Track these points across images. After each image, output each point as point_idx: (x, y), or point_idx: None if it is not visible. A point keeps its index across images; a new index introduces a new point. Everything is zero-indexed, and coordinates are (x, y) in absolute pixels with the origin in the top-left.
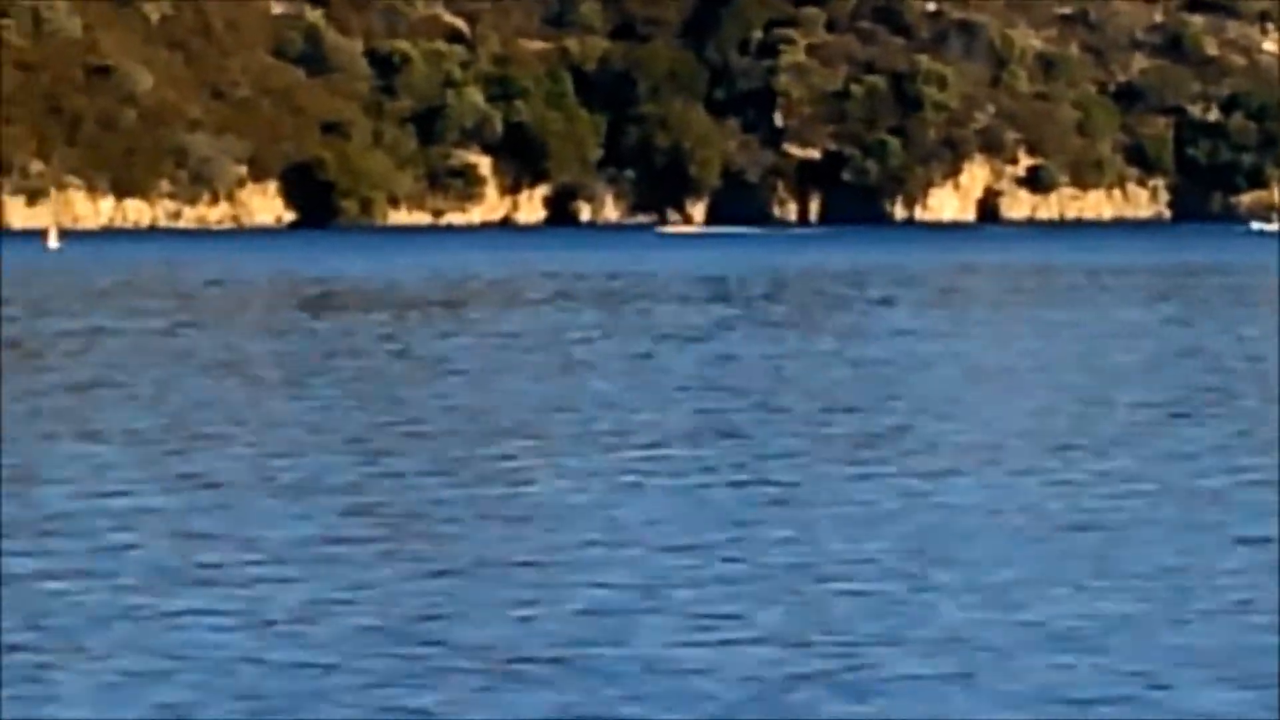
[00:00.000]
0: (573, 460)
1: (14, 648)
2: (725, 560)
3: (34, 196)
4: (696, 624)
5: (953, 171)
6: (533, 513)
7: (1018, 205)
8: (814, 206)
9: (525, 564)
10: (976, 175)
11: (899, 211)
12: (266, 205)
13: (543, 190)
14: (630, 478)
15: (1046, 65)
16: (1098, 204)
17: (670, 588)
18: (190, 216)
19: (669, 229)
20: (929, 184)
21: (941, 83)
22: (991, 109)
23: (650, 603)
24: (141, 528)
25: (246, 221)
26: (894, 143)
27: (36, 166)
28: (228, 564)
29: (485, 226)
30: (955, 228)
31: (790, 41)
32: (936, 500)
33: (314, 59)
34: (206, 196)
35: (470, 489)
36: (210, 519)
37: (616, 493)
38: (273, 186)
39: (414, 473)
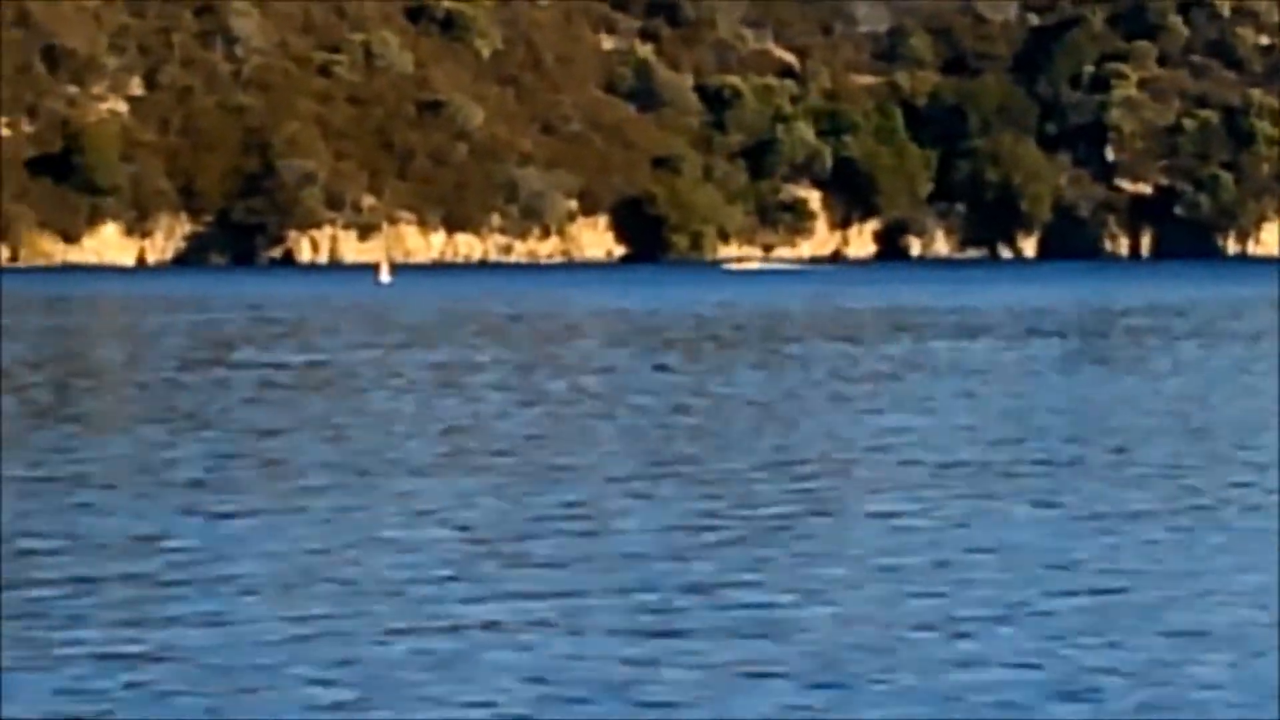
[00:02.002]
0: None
1: None
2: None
3: (366, 231)
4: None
5: None
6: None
7: None
8: (1145, 241)
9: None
10: None
11: (1231, 246)
12: (597, 239)
13: (873, 225)
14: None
15: None
16: None
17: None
18: (521, 250)
19: (733, 265)
20: (1262, 218)
21: (1275, 117)
22: None
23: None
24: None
25: (576, 256)
26: (1226, 177)
27: (368, 201)
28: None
29: (815, 261)
30: None
31: (1122, 76)
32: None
33: (645, 94)
34: (537, 231)
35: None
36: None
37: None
38: (603, 221)
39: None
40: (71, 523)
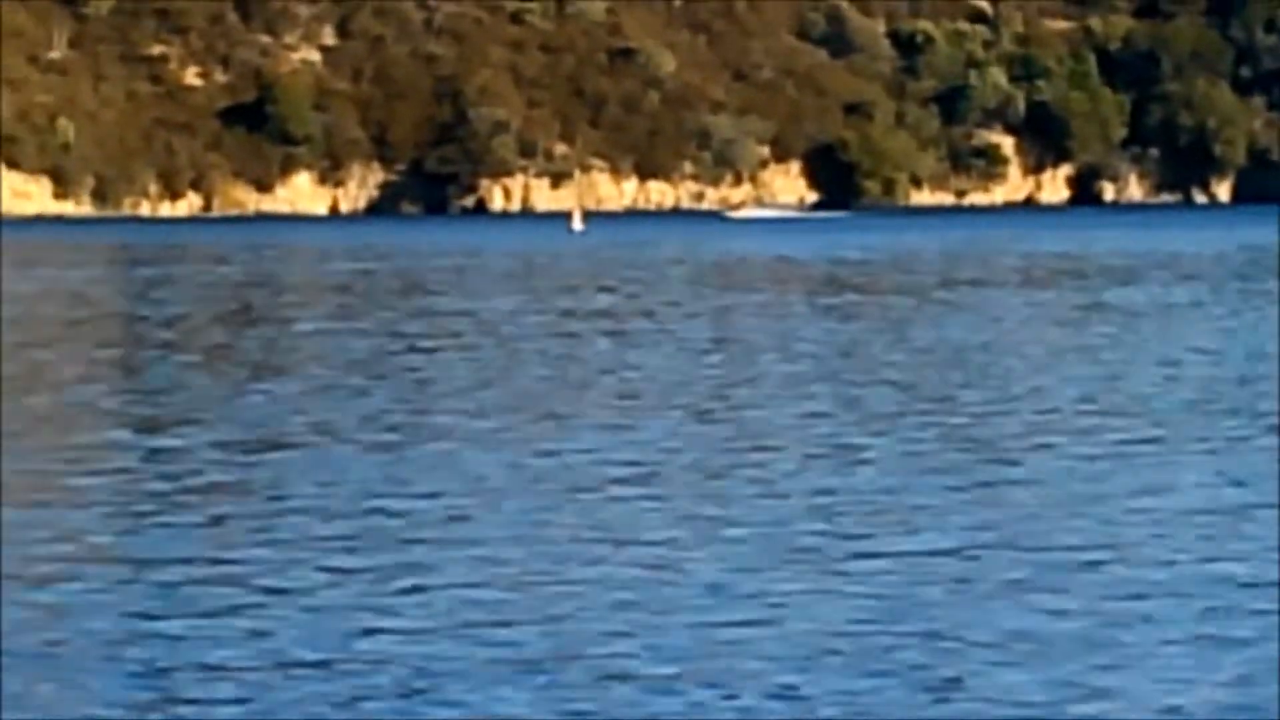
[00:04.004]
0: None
1: None
2: None
3: (558, 179)
4: None
5: None
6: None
7: None
8: None
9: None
10: None
11: None
12: (789, 186)
13: (1066, 170)
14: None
15: None
16: None
17: None
18: (713, 198)
19: (734, 214)
20: None
21: None
22: None
23: None
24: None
25: (769, 202)
26: None
27: (561, 149)
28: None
29: (1008, 207)
30: None
31: None
32: None
33: (837, 40)
34: (729, 177)
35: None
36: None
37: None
38: (795, 167)
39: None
40: (260, 472)
